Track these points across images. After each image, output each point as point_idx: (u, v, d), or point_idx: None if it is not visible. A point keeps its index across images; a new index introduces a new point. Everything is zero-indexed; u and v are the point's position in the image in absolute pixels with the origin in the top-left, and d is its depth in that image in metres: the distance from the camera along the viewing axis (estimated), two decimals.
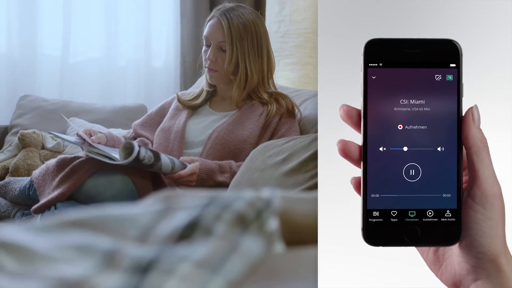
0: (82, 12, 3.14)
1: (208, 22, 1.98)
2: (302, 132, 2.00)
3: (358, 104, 0.67)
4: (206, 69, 1.97)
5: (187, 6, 3.26)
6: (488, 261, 0.64)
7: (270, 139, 1.90)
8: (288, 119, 1.95)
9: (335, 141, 0.68)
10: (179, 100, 2.06)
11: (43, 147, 2.48)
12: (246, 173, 1.67)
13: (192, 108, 2.04)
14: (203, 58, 2.00)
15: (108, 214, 0.60)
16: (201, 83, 2.14)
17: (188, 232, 0.57)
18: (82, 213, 0.61)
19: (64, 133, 2.67)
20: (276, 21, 2.66)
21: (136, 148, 1.56)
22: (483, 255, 0.64)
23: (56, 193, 1.64)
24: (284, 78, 2.51)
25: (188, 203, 0.62)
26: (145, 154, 1.59)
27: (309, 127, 2.02)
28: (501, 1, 0.77)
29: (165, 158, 1.66)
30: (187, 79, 3.29)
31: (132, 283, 0.49)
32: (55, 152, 2.47)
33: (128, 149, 1.60)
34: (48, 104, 2.83)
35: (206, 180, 1.74)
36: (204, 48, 1.99)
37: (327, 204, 0.85)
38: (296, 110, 2.01)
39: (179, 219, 0.59)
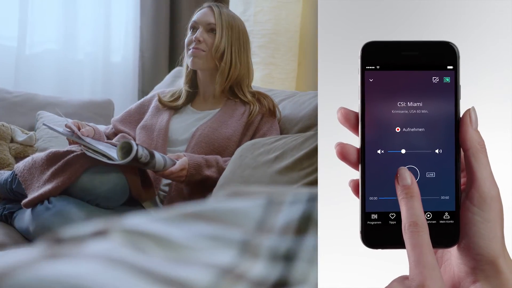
0: (40, 1, 3.05)
1: (198, 11, 2.03)
2: (282, 131, 2.05)
3: (357, 106, 0.67)
4: (191, 51, 1.99)
5: (147, 1, 3.24)
6: (487, 263, 0.64)
7: (252, 137, 1.94)
8: (269, 118, 2.01)
9: (335, 142, 0.68)
10: (160, 101, 2.08)
11: (12, 141, 2.44)
12: (237, 170, 1.68)
13: (174, 108, 2.07)
14: (186, 45, 2.03)
15: (223, 207, 0.63)
16: (180, 84, 2.16)
17: (304, 225, 0.61)
18: (198, 206, 0.63)
19: (33, 126, 2.65)
20: None
21: (135, 147, 1.56)
22: (481, 257, 0.64)
23: (49, 186, 1.63)
24: None
25: (289, 198, 0.66)
26: (142, 152, 1.59)
27: (289, 127, 2.06)
28: (498, 3, 0.77)
29: (158, 156, 1.67)
30: (146, 74, 3.25)
31: (278, 270, 0.52)
32: (26, 145, 2.45)
33: (125, 149, 1.60)
34: (12, 96, 2.75)
35: (195, 175, 1.76)
36: (189, 35, 2.02)
37: (327, 204, 0.85)
38: (277, 110, 2.06)
39: (290, 212, 0.62)
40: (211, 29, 1.97)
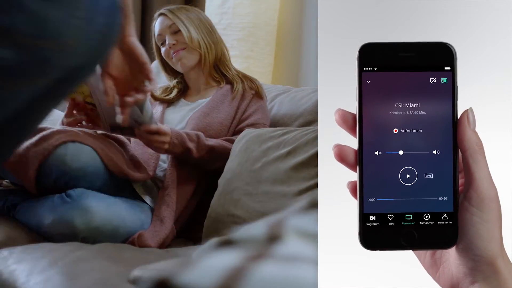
0: None
1: (154, 25, 2.08)
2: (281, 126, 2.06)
3: (355, 108, 0.67)
4: (174, 58, 2.03)
5: None
6: (485, 263, 0.64)
7: (240, 120, 1.99)
8: (257, 99, 2.04)
9: (335, 141, 0.68)
10: (153, 96, 2.13)
11: None
12: (245, 163, 1.67)
13: (167, 101, 2.12)
14: (166, 58, 2.07)
15: None
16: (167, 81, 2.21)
17: None
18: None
19: None
20: (218, 13, 2.70)
21: None
22: (480, 258, 0.64)
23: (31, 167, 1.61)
24: None
25: None
26: None
27: (289, 122, 2.08)
28: (495, 3, 0.77)
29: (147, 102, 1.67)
30: None
31: None
32: None
33: None
34: None
35: (177, 145, 1.78)
36: (162, 50, 2.07)
37: (327, 204, 0.85)
38: (263, 92, 2.09)
39: None
40: (174, 31, 2.01)
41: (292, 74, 2.81)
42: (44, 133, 1.64)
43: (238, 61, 2.64)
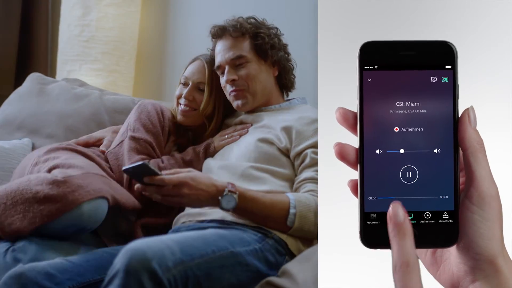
0: None
1: (190, 64, 1.91)
2: None
3: (356, 106, 0.67)
4: (181, 108, 1.87)
5: None
6: (486, 262, 0.64)
7: None
8: None
9: (336, 140, 0.68)
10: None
11: None
12: None
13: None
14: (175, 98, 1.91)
15: None
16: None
17: None
18: None
19: None
20: (79, 24, 2.64)
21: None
22: (480, 256, 0.64)
23: None
24: (89, 83, 2.48)
25: None
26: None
27: None
28: (496, 3, 0.77)
29: None
30: None
31: None
32: None
33: None
34: None
35: None
36: (180, 87, 1.90)
37: (327, 204, 0.85)
38: None
39: None
40: (200, 87, 1.85)
41: (154, 88, 2.79)
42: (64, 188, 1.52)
43: (103, 75, 2.59)
